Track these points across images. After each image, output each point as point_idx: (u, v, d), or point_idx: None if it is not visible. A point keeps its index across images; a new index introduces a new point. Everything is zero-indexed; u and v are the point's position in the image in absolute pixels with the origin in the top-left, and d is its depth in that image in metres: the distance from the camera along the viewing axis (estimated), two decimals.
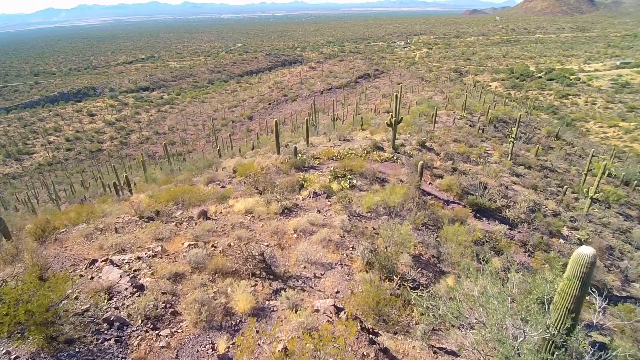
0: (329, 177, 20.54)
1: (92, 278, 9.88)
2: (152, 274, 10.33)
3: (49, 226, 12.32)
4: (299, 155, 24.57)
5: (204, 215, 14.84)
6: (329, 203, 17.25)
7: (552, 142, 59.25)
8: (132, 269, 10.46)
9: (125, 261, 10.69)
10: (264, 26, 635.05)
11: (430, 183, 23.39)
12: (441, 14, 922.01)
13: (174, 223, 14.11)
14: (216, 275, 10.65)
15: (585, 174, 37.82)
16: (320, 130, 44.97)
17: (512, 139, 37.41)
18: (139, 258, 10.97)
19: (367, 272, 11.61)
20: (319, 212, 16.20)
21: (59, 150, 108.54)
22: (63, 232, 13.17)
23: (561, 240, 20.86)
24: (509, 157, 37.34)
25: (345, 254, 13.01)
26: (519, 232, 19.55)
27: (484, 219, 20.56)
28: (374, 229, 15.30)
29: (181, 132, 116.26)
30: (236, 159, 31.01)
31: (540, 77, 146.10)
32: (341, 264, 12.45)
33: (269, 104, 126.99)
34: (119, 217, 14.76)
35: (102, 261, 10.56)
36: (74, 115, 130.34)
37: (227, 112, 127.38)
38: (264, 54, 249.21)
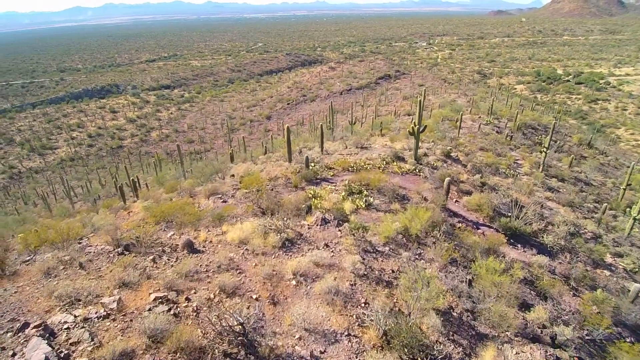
0: (343, 193, 18.35)
1: (13, 355, 7.92)
2: (92, 351, 8.10)
3: (5, 259, 10.66)
4: (312, 165, 22.61)
5: (190, 246, 12.85)
6: (339, 234, 14.69)
7: (585, 150, 55.72)
8: (69, 341, 8.33)
9: (66, 326, 8.63)
10: (285, 26, 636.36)
11: (456, 201, 21.00)
12: (465, 15, 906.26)
13: (152, 257, 12.11)
14: (177, 355, 8.19)
15: (624, 189, 34.71)
16: (337, 134, 42.93)
17: (545, 149, 34.57)
18: (85, 320, 8.89)
19: (382, 348, 9.13)
20: (327, 246, 13.73)
21: (81, 146, 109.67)
22: (28, 260, 11.61)
23: (606, 272, 18.28)
24: (541, 168, 34.52)
25: (355, 316, 10.39)
26: (560, 263, 17.07)
27: (519, 245, 18.12)
28: (394, 271, 12.81)
29: (200, 131, 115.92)
30: (246, 165, 29.34)
31: (568, 81, 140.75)
32: (349, 335, 9.79)
33: (288, 104, 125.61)
34: (90, 246, 12.99)
35: (35, 327, 8.46)
36: (97, 111, 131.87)
37: (246, 111, 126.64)
38: (284, 53, 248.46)
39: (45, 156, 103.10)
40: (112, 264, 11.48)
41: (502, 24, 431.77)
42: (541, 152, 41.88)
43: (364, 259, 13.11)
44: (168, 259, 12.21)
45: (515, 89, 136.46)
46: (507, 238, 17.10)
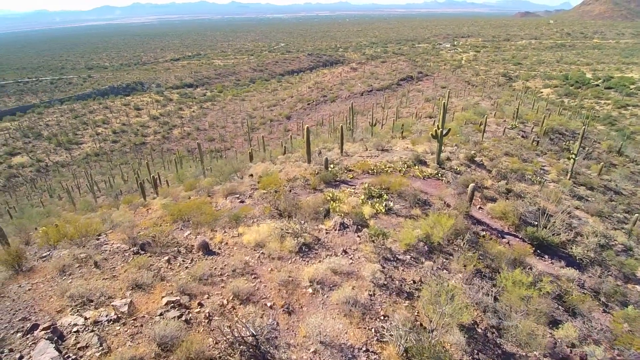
0: (362, 196, 17.92)
1: (20, 358, 7.73)
2: (100, 357, 7.82)
3: (23, 254, 10.59)
4: (331, 166, 22.25)
5: (205, 248, 12.60)
6: (358, 240, 14.09)
7: (614, 158, 53.57)
8: (77, 346, 8.12)
9: (76, 329, 8.45)
10: (308, 26, 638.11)
11: (480, 207, 20.23)
12: (490, 16, 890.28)
13: (167, 257, 11.92)
14: None
15: None
16: (358, 136, 42.44)
17: (573, 155, 33.23)
18: (95, 323, 8.68)
19: None
20: (345, 252, 13.16)
21: (106, 142, 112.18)
22: (45, 256, 11.61)
23: (638, 287, 17.26)
24: (569, 175, 33.22)
25: (374, 330, 9.81)
26: (590, 276, 16.17)
27: (546, 256, 17.26)
28: (415, 282, 12.20)
29: (221, 129, 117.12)
30: (265, 164, 29.21)
31: (597, 85, 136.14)
32: (367, 350, 9.20)
33: (308, 104, 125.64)
34: (107, 244, 12.91)
35: (43, 329, 8.31)
36: (122, 108, 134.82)
37: (266, 110, 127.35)
38: (305, 53, 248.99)
39: (71, 151, 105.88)
40: (127, 264, 11.38)
41: (529, 26, 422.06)
42: (569, 158, 40.36)
43: (383, 267, 12.52)
44: (183, 260, 12.00)
45: (542, 92, 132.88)
46: (533, 248, 16.30)
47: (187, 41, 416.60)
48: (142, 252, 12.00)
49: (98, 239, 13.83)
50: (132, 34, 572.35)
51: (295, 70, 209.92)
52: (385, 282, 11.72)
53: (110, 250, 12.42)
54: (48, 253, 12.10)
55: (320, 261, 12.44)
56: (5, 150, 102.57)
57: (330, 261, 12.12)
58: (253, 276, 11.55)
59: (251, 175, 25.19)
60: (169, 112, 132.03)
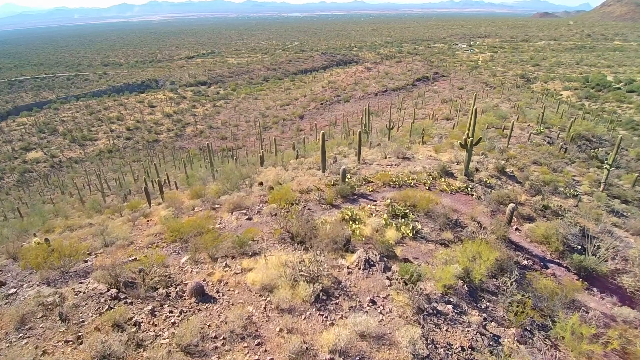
0: (385, 215, 15.90)
1: None
2: None
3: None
4: (348, 176, 20.33)
5: (200, 293, 10.39)
6: (387, 283, 11.51)
7: None
8: None
9: None
10: (322, 25, 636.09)
11: (517, 229, 17.98)
12: (508, 16, 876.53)
13: (151, 306, 9.74)
14: None
15: None
16: (374, 140, 40.44)
17: (608, 165, 30.71)
18: None
19: None
20: (373, 302, 10.67)
21: (119, 139, 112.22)
22: (11, 295, 9.90)
23: None
24: (602, 187, 30.70)
25: None
26: None
27: (595, 289, 14.94)
28: (464, 349, 9.52)
29: (233, 128, 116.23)
30: (276, 170, 27.48)
31: (619, 88, 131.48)
32: None
33: (321, 103, 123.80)
34: (82, 283, 10.91)
35: None
36: (136, 105, 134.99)
37: (279, 109, 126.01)
38: (319, 53, 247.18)
39: (85, 147, 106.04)
40: (100, 316, 9.22)
41: (548, 27, 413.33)
42: (598, 167, 37.89)
43: (422, 327, 9.93)
44: (170, 312, 9.76)
45: (561, 95, 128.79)
46: (583, 281, 14.12)
47: (202, 39, 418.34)
48: (123, 295, 9.95)
49: (86, 261, 12.21)
50: (148, 32, 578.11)
51: (309, 69, 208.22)
52: (428, 353, 9.11)
53: (84, 293, 10.25)
54: (15, 290, 10.39)
55: (342, 317, 10.01)
56: (20, 146, 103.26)
57: (355, 321, 9.49)
58: (256, 341, 9.11)
59: (261, 183, 23.47)
60: (182, 109, 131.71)
